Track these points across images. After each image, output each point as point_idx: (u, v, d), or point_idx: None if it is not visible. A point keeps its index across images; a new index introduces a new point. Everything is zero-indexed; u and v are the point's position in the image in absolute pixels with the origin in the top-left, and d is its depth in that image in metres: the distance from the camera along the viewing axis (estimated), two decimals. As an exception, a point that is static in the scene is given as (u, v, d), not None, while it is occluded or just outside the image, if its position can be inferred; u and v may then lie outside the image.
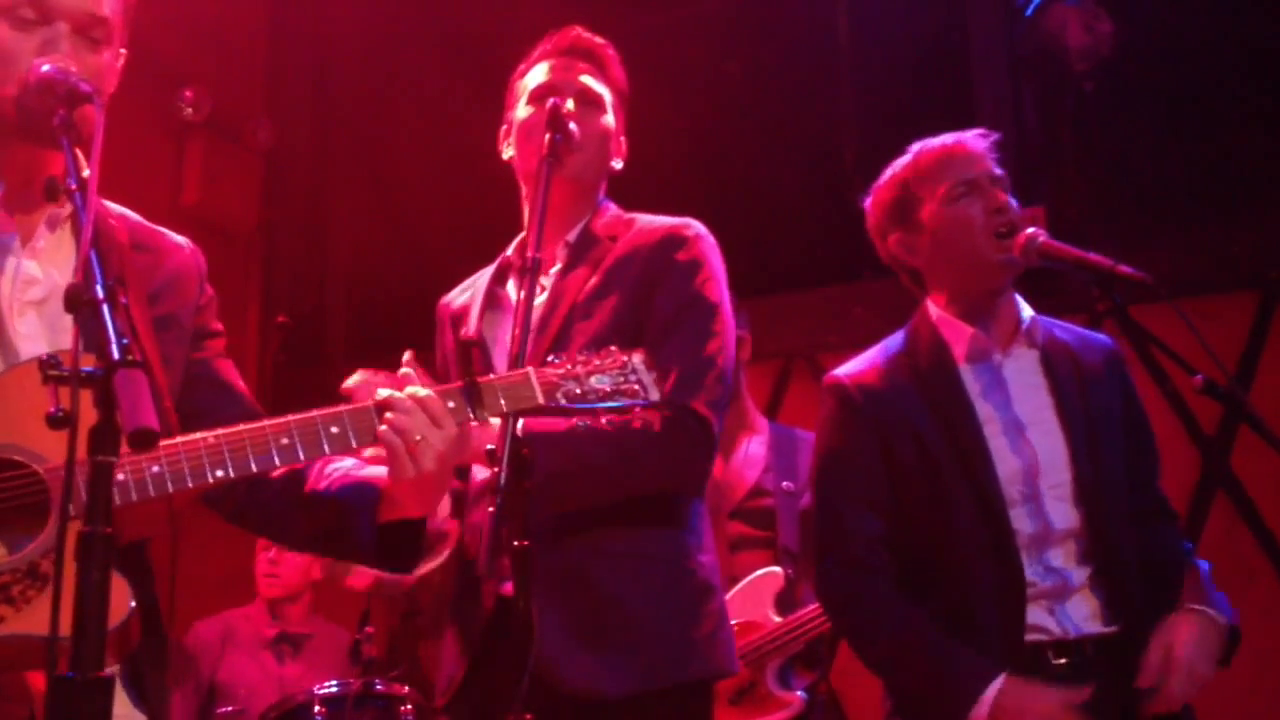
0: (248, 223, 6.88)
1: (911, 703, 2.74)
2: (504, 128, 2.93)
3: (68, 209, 2.13)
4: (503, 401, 2.10)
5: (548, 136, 2.62)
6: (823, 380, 2.93)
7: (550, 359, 2.17)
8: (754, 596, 4.06)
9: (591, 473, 2.55)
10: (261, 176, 6.98)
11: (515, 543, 2.18)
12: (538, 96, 2.81)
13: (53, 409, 1.59)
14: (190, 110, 6.41)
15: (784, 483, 4.22)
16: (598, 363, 2.16)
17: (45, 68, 2.00)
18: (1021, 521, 2.67)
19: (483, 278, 2.92)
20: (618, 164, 2.91)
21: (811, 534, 4.25)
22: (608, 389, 2.14)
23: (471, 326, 2.80)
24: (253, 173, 6.92)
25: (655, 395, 2.16)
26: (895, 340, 2.94)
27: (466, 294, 2.94)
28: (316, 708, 4.19)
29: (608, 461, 2.54)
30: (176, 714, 5.18)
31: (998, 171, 2.87)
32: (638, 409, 2.17)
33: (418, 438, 2.03)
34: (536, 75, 2.87)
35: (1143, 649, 2.61)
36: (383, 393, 2.07)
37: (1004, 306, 2.86)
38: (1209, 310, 4.86)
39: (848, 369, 2.91)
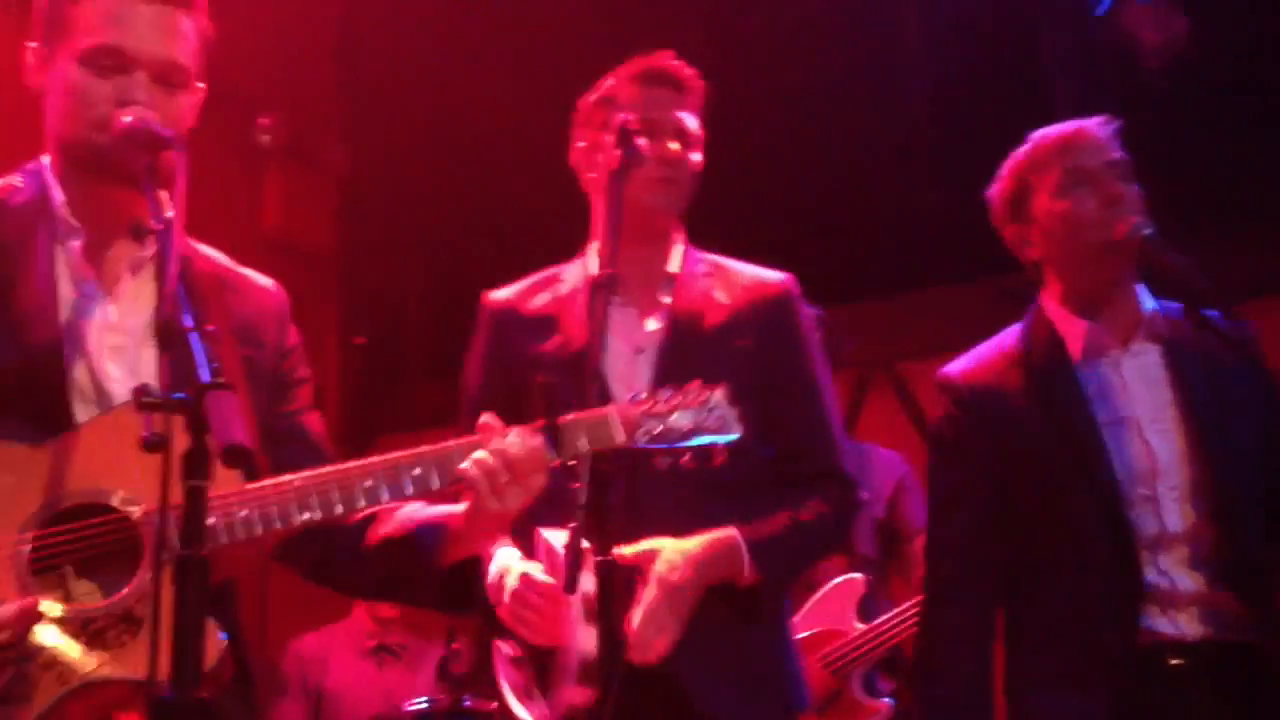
0: (326, 246, 6.97)
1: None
2: (580, 145, 2.85)
3: (150, 250, 2.10)
4: (584, 442, 2.11)
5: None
6: (935, 377, 2.89)
7: (632, 397, 2.17)
8: (836, 603, 4.03)
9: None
10: (338, 200, 7.07)
11: (598, 558, 2.19)
12: (635, 132, 2.64)
13: (145, 434, 1.61)
14: (267, 137, 6.50)
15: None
16: (680, 399, 2.15)
17: (126, 119, 2.00)
18: (1142, 522, 2.62)
19: (564, 286, 2.84)
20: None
21: (885, 544, 4.25)
22: (689, 426, 2.13)
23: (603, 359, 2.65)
24: (330, 196, 7.01)
25: (736, 432, 2.15)
26: (1010, 336, 2.87)
27: (545, 297, 2.84)
28: (405, 725, 4.22)
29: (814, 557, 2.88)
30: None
31: (1117, 156, 2.77)
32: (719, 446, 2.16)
33: (505, 479, 2.04)
34: (627, 103, 2.75)
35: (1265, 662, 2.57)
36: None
37: (1122, 299, 2.78)
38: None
39: (959, 365, 2.86)
